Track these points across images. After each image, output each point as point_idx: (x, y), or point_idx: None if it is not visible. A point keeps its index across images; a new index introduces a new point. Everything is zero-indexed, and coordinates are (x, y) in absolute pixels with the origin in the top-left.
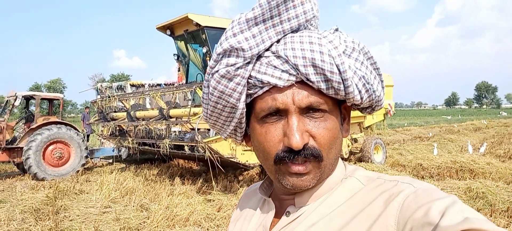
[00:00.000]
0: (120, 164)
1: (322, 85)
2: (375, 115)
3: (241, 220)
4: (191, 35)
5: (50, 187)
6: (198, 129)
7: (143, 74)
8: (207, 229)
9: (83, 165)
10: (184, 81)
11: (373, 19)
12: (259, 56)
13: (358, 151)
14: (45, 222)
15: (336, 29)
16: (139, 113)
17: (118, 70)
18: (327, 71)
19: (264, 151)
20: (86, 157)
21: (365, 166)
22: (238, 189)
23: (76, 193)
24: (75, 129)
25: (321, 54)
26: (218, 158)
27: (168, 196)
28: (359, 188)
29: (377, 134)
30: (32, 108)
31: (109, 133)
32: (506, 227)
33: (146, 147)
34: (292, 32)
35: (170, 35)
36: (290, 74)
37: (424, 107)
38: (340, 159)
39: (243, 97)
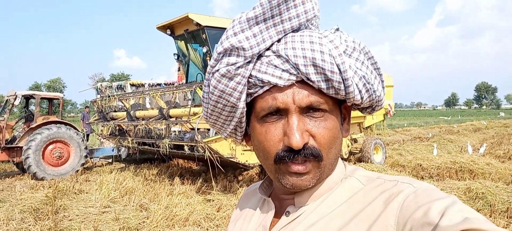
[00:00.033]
0: (119, 163)
1: (323, 85)
2: (374, 115)
3: (241, 220)
4: (191, 35)
5: (50, 187)
6: (198, 129)
7: (143, 74)
8: (207, 229)
9: (83, 164)
10: (184, 81)
11: (373, 19)
12: (259, 56)
13: (357, 151)
14: (44, 222)
15: (337, 29)
16: (139, 113)
17: (118, 69)
18: (328, 71)
19: (264, 150)
20: (86, 156)
21: (364, 166)
22: (238, 189)
23: (75, 193)
24: (75, 128)
25: (321, 54)
26: (218, 158)
27: (167, 196)
28: (359, 188)
29: (377, 134)
30: (31, 107)
31: (108, 133)
32: (506, 228)
33: (146, 147)
34: (292, 31)
35: (170, 35)
36: (290, 73)
37: (424, 107)
38: (340, 159)
39: (244, 96)
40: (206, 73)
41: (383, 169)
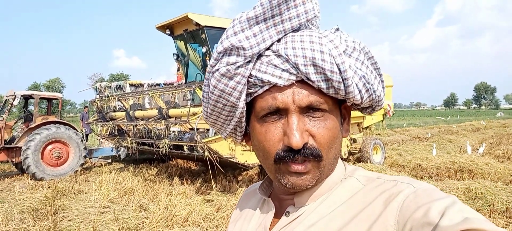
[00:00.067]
0: (119, 164)
1: (322, 85)
2: (374, 115)
3: (241, 220)
4: (190, 35)
5: (49, 187)
6: (197, 129)
7: (142, 74)
8: (206, 229)
9: (82, 164)
10: (183, 81)
11: (373, 19)
12: (259, 55)
13: (357, 151)
14: (43, 222)
15: (337, 29)
16: (138, 113)
17: (117, 70)
18: (327, 71)
19: (264, 150)
20: (85, 156)
21: (364, 166)
22: (237, 189)
23: (74, 193)
24: (74, 128)
25: (321, 54)
26: (217, 158)
27: (167, 196)
28: (358, 188)
29: (376, 134)
30: (30, 107)
31: (108, 133)
32: (505, 227)
33: (145, 147)
34: (293, 31)
35: (169, 35)
36: (290, 73)
37: (423, 108)
38: (339, 159)
39: (243, 96)
40: (206, 73)
41: (382, 169)
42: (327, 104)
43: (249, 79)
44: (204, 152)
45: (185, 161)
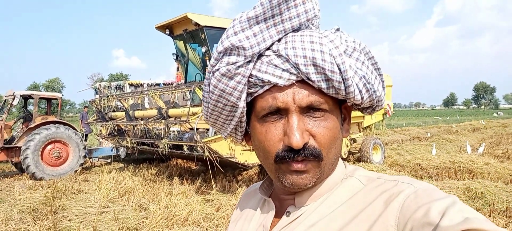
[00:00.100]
0: (118, 163)
1: (323, 85)
2: (373, 115)
3: (241, 220)
4: (190, 35)
5: (48, 187)
6: (197, 129)
7: (142, 74)
8: (206, 229)
9: (82, 164)
10: (183, 81)
11: (373, 19)
12: (260, 55)
13: (357, 151)
14: (43, 222)
15: (338, 29)
16: (137, 113)
17: (117, 69)
18: (328, 71)
19: (264, 150)
20: (85, 156)
21: (364, 166)
22: (237, 189)
23: (74, 193)
24: (74, 128)
25: (321, 54)
26: (217, 158)
27: (166, 196)
28: (359, 188)
29: (376, 134)
30: (30, 107)
31: (107, 133)
32: (505, 227)
33: (145, 147)
34: (293, 31)
35: (169, 35)
36: (290, 73)
37: (422, 107)
38: (340, 159)
39: (244, 96)
40: (206, 73)
41: (382, 168)
42: (328, 104)
43: (250, 79)
44: (204, 151)
45: (185, 160)
